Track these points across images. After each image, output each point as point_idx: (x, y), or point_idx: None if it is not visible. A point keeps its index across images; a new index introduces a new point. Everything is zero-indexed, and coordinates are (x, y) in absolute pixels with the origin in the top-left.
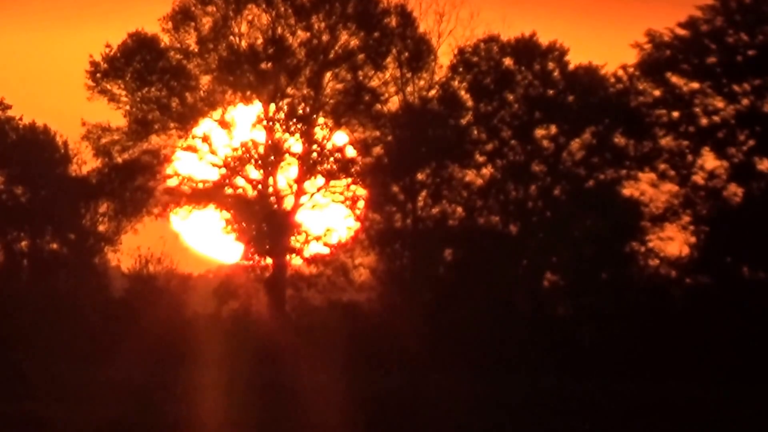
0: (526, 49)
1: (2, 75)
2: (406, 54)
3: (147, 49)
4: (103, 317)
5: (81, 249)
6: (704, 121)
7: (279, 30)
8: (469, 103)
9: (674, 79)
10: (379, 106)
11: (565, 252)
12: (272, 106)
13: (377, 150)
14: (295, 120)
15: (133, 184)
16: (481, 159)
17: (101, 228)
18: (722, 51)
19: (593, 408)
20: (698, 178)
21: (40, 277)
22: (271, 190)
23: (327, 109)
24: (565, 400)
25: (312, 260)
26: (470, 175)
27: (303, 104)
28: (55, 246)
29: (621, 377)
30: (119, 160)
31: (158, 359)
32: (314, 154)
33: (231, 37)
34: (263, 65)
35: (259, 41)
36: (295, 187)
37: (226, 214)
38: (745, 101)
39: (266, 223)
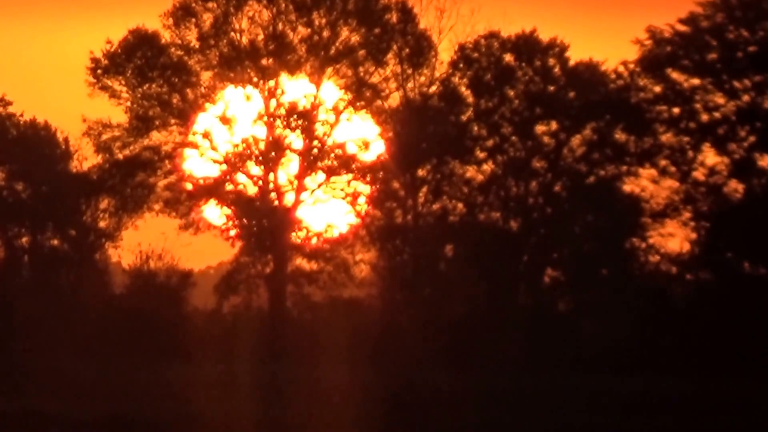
0: (526, 46)
1: (3, 71)
2: (407, 50)
3: (148, 46)
4: (103, 313)
5: (82, 245)
6: (705, 117)
7: (280, 26)
8: (470, 99)
9: (675, 75)
10: (379, 102)
11: (566, 248)
12: (273, 102)
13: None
14: (295, 116)
15: (133, 181)
16: (481, 155)
17: (102, 224)
18: (723, 47)
19: (594, 404)
20: (699, 174)
21: (41, 273)
22: (271, 186)
23: (327, 106)
24: (565, 396)
25: (313, 256)
26: (471, 171)
27: (304, 100)
28: (55, 242)
29: (621, 373)
30: (120, 156)
31: (159, 355)
32: (315, 150)
33: (232, 33)
34: (264, 61)
35: (260, 37)
36: (295, 183)
37: (227, 210)
38: (745, 97)
39: (267, 219)
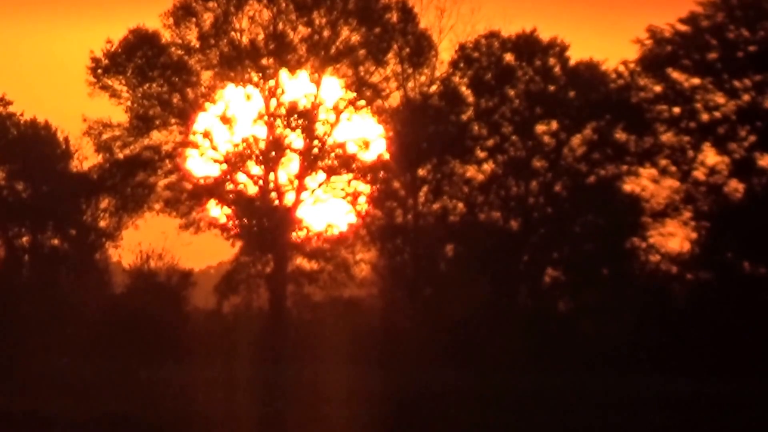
0: (526, 45)
1: (3, 71)
2: (407, 50)
3: (148, 45)
4: (104, 313)
5: (82, 245)
6: (705, 116)
7: (280, 26)
8: (470, 99)
9: (675, 75)
10: (380, 101)
11: (566, 248)
12: (273, 102)
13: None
14: (296, 116)
15: (134, 180)
16: (482, 155)
17: (102, 224)
18: (723, 47)
19: (594, 403)
20: (699, 174)
21: (41, 272)
22: (272, 185)
23: (328, 105)
24: (566, 396)
25: (313, 256)
26: (471, 171)
27: (304, 100)
28: (56, 242)
29: (622, 373)
30: (120, 155)
31: (159, 355)
32: (315, 150)
33: (232, 33)
34: (264, 61)
35: (260, 37)
36: (296, 182)
37: (228, 210)
38: (745, 97)
39: (267, 218)
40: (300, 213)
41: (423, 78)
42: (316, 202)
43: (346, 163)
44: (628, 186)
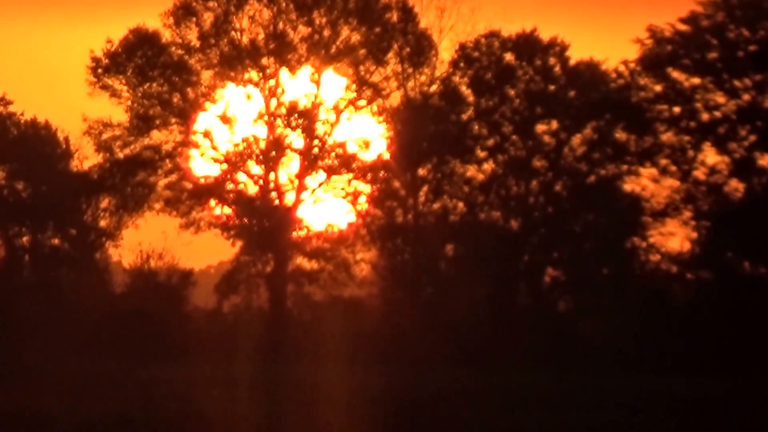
0: (527, 45)
1: (4, 71)
2: (408, 49)
3: (148, 45)
4: (104, 313)
5: (82, 244)
6: (705, 116)
7: (280, 25)
8: (470, 99)
9: (675, 75)
10: (380, 101)
11: (566, 247)
12: (273, 102)
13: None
14: (296, 115)
15: (134, 180)
16: (482, 154)
17: (102, 223)
18: (723, 46)
19: (593, 403)
20: (699, 174)
21: (42, 272)
22: (272, 185)
23: (328, 105)
24: (566, 395)
25: (313, 255)
26: (471, 171)
27: (304, 99)
28: (56, 241)
29: (622, 372)
30: (120, 155)
31: (159, 355)
32: (315, 150)
33: (232, 33)
34: (264, 60)
35: (261, 36)
36: (296, 182)
37: (228, 210)
38: (746, 96)
39: (267, 218)
40: (300, 213)
41: (423, 77)
42: (316, 202)
43: (347, 162)
44: (629, 186)
